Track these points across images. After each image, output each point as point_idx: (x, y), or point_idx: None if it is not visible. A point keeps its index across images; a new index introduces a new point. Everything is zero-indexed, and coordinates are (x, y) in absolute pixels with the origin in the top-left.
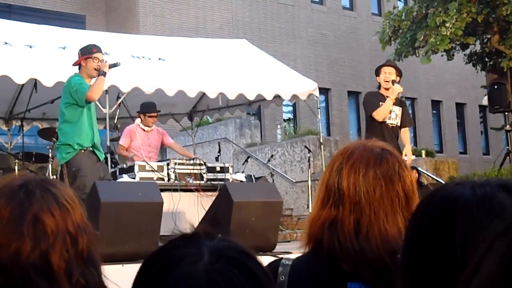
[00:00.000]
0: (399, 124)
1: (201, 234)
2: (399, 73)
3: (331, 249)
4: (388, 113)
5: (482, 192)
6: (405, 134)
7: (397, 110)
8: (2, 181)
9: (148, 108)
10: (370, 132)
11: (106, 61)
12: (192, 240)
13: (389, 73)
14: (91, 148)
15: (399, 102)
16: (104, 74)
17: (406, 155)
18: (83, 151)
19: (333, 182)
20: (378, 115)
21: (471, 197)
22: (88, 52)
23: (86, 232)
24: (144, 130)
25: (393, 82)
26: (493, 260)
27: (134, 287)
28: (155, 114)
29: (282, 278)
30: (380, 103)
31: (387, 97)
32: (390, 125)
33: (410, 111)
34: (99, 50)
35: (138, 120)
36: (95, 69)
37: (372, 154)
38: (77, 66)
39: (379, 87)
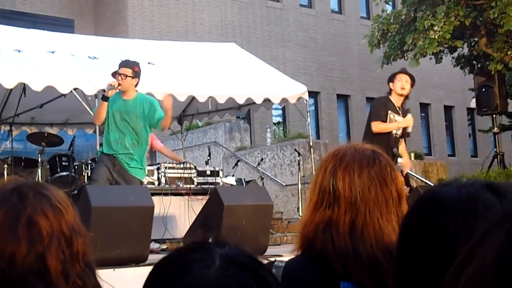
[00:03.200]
0: (400, 136)
1: (211, 241)
2: (413, 82)
3: (324, 250)
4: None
5: (467, 192)
6: (402, 146)
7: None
8: None
9: None
10: (370, 136)
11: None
12: (202, 246)
13: (406, 81)
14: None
15: (404, 112)
16: (106, 99)
17: (404, 166)
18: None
19: (327, 184)
20: (377, 128)
21: (456, 196)
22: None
23: (80, 234)
24: None
25: (408, 111)
26: (489, 250)
27: None
28: None
29: None
30: (388, 111)
31: (397, 106)
32: (394, 135)
33: None
34: (120, 65)
35: None
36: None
37: (364, 155)
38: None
39: (390, 93)
